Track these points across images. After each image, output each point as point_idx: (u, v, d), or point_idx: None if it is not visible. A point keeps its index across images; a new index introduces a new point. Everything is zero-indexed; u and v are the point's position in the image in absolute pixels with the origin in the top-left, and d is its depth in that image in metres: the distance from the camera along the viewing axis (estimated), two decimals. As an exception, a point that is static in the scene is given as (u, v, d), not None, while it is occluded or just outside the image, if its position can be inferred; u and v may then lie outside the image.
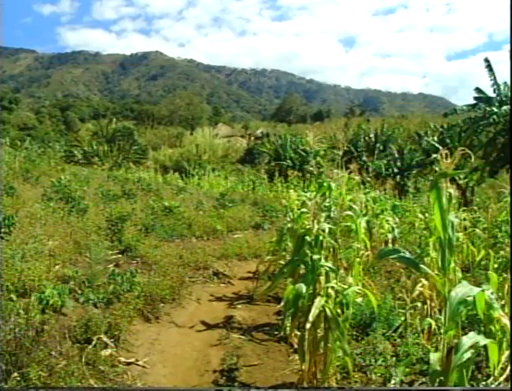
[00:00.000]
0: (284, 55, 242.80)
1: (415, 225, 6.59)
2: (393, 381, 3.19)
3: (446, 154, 2.32)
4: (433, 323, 3.35)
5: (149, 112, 65.37)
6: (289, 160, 25.67)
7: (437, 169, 2.43)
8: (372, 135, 27.22)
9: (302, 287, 2.94)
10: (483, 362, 2.98)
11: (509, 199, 5.57)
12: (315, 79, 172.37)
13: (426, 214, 5.89)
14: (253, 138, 49.73)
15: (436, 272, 2.41)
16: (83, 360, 3.28)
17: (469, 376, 2.23)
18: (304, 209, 3.85)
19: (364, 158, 24.56)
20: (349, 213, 4.15)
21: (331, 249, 3.41)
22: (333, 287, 3.10)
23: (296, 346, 3.41)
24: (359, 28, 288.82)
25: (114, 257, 6.31)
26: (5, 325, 3.27)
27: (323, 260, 3.10)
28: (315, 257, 3.06)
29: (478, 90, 16.05)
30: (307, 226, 3.27)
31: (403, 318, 3.94)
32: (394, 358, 3.43)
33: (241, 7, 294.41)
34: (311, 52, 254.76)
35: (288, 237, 5.17)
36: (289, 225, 5.08)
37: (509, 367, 2.83)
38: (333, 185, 3.98)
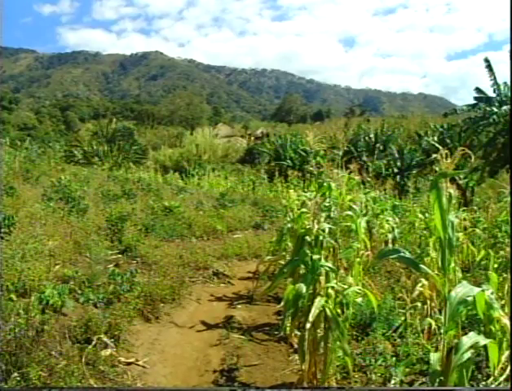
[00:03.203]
0: (284, 55, 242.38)
1: (415, 225, 6.58)
2: (393, 381, 3.19)
3: (446, 154, 2.32)
4: (433, 323, 3.35)
5: (149, 112, 65.35)
6: (289, 160, 25.70)
7: (437, 169, 2.42)
8: (372, 135, 27.24)
9: (302, 287, 2.93)
10: (483, 362, 2.98)
11: (509, 199, 5.57)
12: (315, 79, 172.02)
13: (426, 214, 5.89)
14: (253, 138, 49.64)
15: (436, 272, 2.41)
16: (83, 360, 3.28)
17: (469, 376, 2.24)
18: (304, 209, 3.84)
19: (364, 158, 24.55)
20: (349, 213, 4.15)
21: (331, 249, 3.41)
22: (333, 287, 3.10)
23: (296, 346, 3.41)
24: (359, 28, 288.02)
25: (114, 256, 6.31)
26: (5, 325, 3.27)
27: (323, 260, 3.10)
28: (315, 256, 3.06)
29: (478, 90, 16.07)
30: (307, 226, 3.26)
31: (403, 318, 3.94)
32: (394, 358, 3.43)
33: (241, 7, 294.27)
34: (311, 52, 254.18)
35: (288, 237, 5.17)
36: (289, 225, 5.07)
37: (509, 367, 2.83)
38: (333, 185, 3.98)
